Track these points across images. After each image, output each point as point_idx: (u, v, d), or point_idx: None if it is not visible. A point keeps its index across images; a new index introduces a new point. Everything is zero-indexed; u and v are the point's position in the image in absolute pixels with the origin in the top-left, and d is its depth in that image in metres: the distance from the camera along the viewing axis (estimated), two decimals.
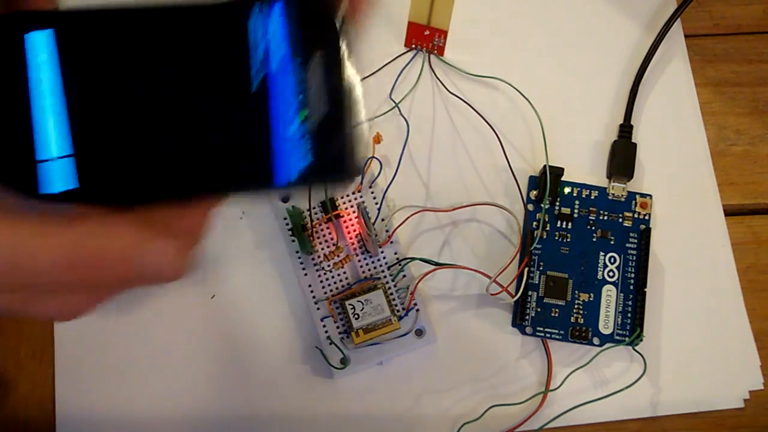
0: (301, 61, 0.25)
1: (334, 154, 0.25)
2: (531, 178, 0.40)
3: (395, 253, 0.38)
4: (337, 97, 0.26)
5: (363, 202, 0.38)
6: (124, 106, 0.25)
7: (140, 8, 0.25)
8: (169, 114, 0.25)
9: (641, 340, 0.37)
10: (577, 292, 0.38)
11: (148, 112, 0.25)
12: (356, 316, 0.36)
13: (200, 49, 0.25)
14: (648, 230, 0.39)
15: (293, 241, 0.38)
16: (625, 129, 0.41)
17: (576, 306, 0.38)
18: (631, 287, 0.38)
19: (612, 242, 0.39)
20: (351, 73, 0.26)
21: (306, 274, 0.37)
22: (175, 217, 0.24)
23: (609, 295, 0.38)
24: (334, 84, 0.26)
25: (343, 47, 0.26)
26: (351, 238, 0.38)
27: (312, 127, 0.25)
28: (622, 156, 0.40)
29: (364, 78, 0.42)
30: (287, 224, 0.38)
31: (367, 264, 0.38)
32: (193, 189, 0.25)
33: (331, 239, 0.38)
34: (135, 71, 0.25)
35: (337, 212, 0.38)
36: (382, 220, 0.38)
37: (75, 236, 0.21)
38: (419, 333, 0.37)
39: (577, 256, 0.39)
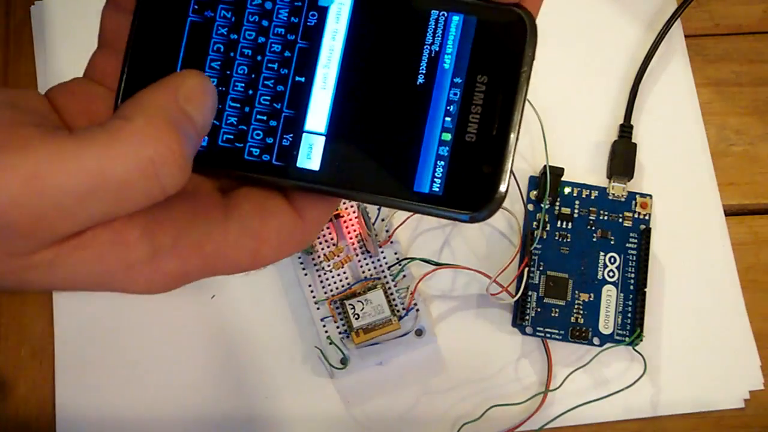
0: (461, 80, 0.24)
1: (466, 188, 0.24)
2: (531, 178, 0.40)
3: (395, 253, 0.38)
4: (490, 134, 0.24)
5: None
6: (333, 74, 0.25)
7: None
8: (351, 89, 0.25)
9: (641, 340, 0.37)
10: (577, 292, 0.38)
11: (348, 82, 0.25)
12: (356, 316, 0.36)
13: (381, 31, 0.25)
14: (648, 230, 0.39)
15: None
16: (625, 129, 0.41)
17: (576, 306, 0.38)
18: (631, 287, 0.38)
19: (612, 242, 0.39)
20: (516, 110, 0.24)
21: (306, 274, 0.37)
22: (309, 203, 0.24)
23: (609, 295, 0.38)
24: (490, 115, 0.24)
25: (518, 80, 0.24)
26: (351, 238, 0.38)
27: (451, 154, 0.24)
28: (622, 156, 0.40)
29: None
30: None
31: (367, 264, 0.38)
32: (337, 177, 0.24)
33: (331, 239, 0.38)
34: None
35: (337, 212, 0.38)
36: (382, 220, 0.38)
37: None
38: (419, 333, 0.37)
39: (577, 256, 0.39)
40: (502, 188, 0.24)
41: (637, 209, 0.39)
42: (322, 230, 0.38)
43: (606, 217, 0.39)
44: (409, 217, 0.38)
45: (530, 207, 0.39)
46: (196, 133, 0.21)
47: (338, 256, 0.37)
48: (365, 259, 0.38)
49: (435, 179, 0.24)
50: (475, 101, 0.24)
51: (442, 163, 0.24)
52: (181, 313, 0.38)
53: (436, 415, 0.37)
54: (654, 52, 0.42)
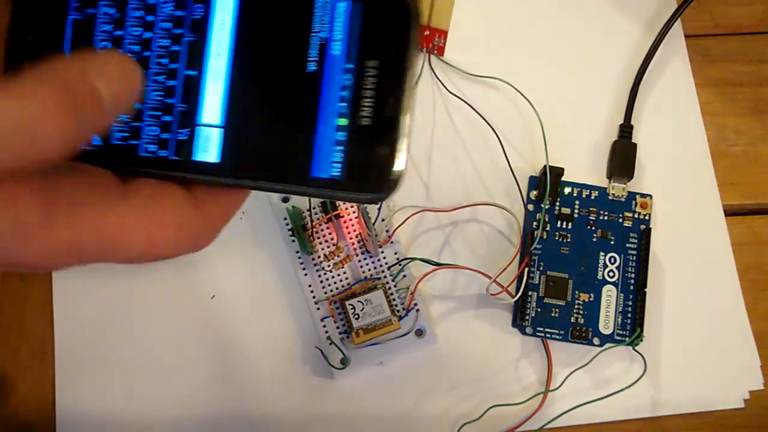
0: (353, 65, 0.24)
1: (364, 171, 0.24)
2: (531, 178, 0.40)
3: (395, 253, 0.38)
4: (383, 117, 0.24)
5: None
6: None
7: None
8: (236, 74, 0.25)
9: (641, 340, 0.37)
10: (577, 292, 0.38)
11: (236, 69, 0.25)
12: (356, 316, 0.36)
13: (267, 16, 0.25)
14: (648, 230, 0.39)
15: (293, 241, 0.38)
16: (625, 129, 0.41)
17: (576, 306, 0.38)
18: (631, 287, 0.38)
19: (612, 242, 0.39)
20: (407, 92, 0.24)
21: (306, 274, 0.37)
22: (210, 196, 0.24)
23: (609, 295, 0.38)
24: (383, 102, 0.24)
25: (407, 63, 0.24)
26: (351, 238, 0.38)
27: (347, 138, 0.24)
28: (622, 156, 0.40)
29: None
30: (287, 224, 0.38)
31: (367, 264, 0.38)
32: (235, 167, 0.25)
33: (331, 239, 0.38)
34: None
35: (337, 212, 0.38)
36: (382, 220, 0.38)
37: None
38: (419, 333, 0.37)
39: (577, 256, 0.39)
40: (398, 168, 0.24)
41: (637, 209, 0.39)
42: (323, 230, 0.38)
43: (606, 217, 0.39)
44: (409, 217, 0.38)
45: (530, 207, 0.39)
46: (101, 110, 0.20)
47: (338, 256, 0.37)
48: (365, 259, 0.38)
49: (333, 164, 0.24)
50: (367, 86, 0.24)
51: (339, 147, 0.24)
52: (181, 313, 0.38)
53: (436, 415, 0.37)
54: (654, 52, 0.42)
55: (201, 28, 0.25)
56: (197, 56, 0.25)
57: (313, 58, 0.24)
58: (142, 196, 0.22)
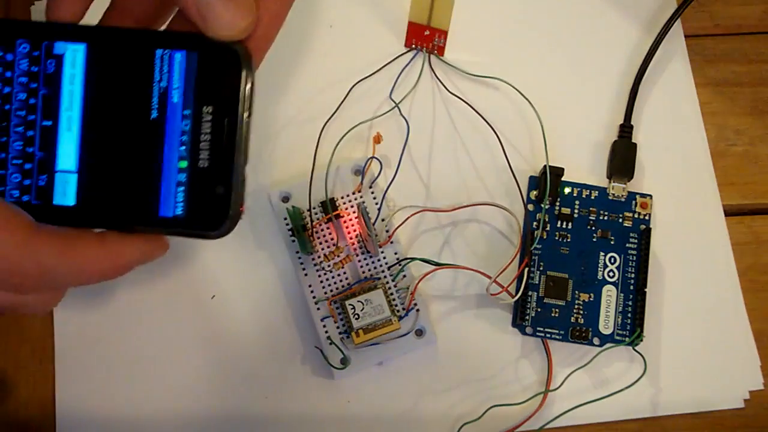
0: (190, 111, 0.27)
1: (205, 209, 0.27)
2: (531, 178, 0.40)
3: (395, 253, 0.38)
4: (219, 159, 0.27)
5: (363, 202, 0.38)
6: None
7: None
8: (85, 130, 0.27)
9: (641, 340, 0.37)
10: (577, 292, 0.38)
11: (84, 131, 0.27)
12: (356, 316, 0.36)
13: (112, 71, 0.27)
14: (648, 230, 0.39)
15: (293, 241, 0.38)
16: (625, 129, 0.41)
17: (576, 306, 0.38)
18: (631, 287, 0.38)
19: (612, 242, 0.39)
20: (241, 136, 0.27)
21: (306, 274, 0.37)
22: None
23: (609, 295, 0.38)
24: (219, 142, 0.27)
25: (241, 107, 0.27)
26: (351, 238, 0.38)
27: (188, 179, 0.27)
28: (622, 156, 0.40)
29: (364, 78, 0.43)
30: (287, 224, 0.38)
31: (367, 264, 0.38)
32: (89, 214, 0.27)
33: (331, 239, 0.38)
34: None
35: (337, 212, 0.38)
36: (382, 220, 0.38)
37: None
38: (419, 333, 0.37)
39: (577, 256, 0.39)
40: (235, 206, 0.27)
41: (637, 209, 0.39)
42: (322, 230, 0.38)
43: (606, 217, 0.39)
44: (409, 217, 0.38)
45: (530, 207, 0.39)
46: None
47: (338, 256, 0.37)
48: (365, 259, 0.38)
49: (177, 204, 0.27)
50: (204, 130, 0.27)
51: (182, 188, 0.27)
52: (181, 313, 0.38)
53: (436, 415, 0.38)
54: (654, 52, 0.42)
55: (54, 82, 0.27)
56: (52, 108, 0.27)
57: (155, 106, 0.27)
58: (54, 234, 0.26)
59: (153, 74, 0.27)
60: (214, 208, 0.27)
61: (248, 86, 0.27)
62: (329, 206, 0.38)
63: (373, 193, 0.39)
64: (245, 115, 0.27)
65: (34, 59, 0.27)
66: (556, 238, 0.39)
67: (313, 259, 0.38)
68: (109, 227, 0.27)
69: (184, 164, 0.27)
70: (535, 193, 0.39)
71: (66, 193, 0.27)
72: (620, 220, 0.39)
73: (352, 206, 0.38)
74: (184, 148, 0.27)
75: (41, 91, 0.27)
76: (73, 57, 0.27)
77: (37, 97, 0.27)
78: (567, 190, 0.40)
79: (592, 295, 0.38)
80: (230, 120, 0.27)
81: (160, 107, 0.27)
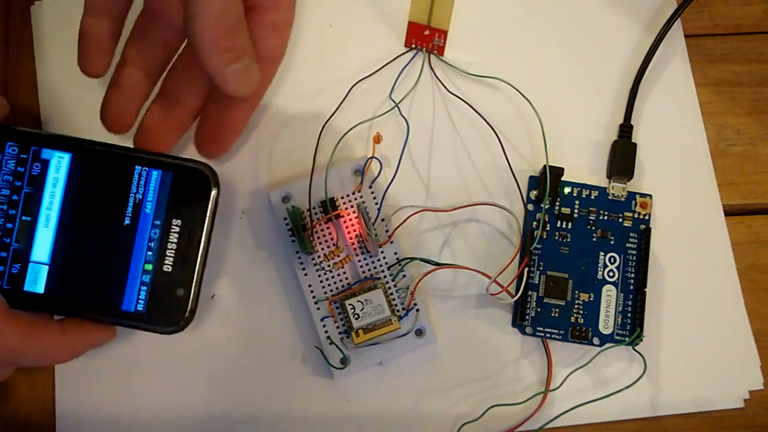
0: (160, 222, 0.31)
1: (163, 307, 0.31)
2: (531, 178, 0.40)
3: (395, 253, 0.38)
4: (182, 265, 0.31)
5: (363, 202, 0.38)
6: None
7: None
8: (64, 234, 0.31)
9: (641, 340, 0.37)
10: (577, 292, 0.38)
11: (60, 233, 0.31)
12: (356, 316, 0.36)
13: (94, 183, 0.31)
14: (648, 230, 0.39)
15: (293, 241, 0.38)
16: (625, 129, 0.41)
17: (576, 306, 0.38)
18: (631, 287, 0.38)
19: (612, 242, 0.39)
20: (202, 247, 0.31)
21: (306, 274, 0.37)
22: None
23: (609, 295, 0.38)
24: (182, 253, 0.31)
25: (205, 223, 0.31)
26: (351, 238, 0.38)
27: (151, 280, 0.31)
28: (622, 156, 0.40)
29: (364, 78, 0.43)
30: (287, 224, 0.38)
31: (367, 264, 0.38)
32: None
33: (331, 239, 0.38)
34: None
35: (337, 212, 0.38)
36: (382, 220, 0.38)
37: None
38: (419, 333, 0.37)
39: (577, 256, 0.39)
40: (191, 307, 0.31)
41: (637, 209, 0.39)
42: (322, 230, 0.38)
43: (606, 217, 0.39)
44: (409, 217, 0.38)
45: (530, 207, 0.39)
46: None
47: (338, 256, 0.37)
48: (365, 259, 0.38)
49: (139, 300, 0.31)
50: (171, 239, 0.31)
51: (145, 288, 0.31)
52: None
53: (436, 415, 0.38)
54: (654, 52, 0.42)
55: (37, 183, 0.30)
56: (33, 205, 0.30)
57: (129, 214, 0.31)
58: (23, 319, 0.29)
59: (130, 187, 0.31)
60: (172, 308, 0.31)
61: (213, 205, 0.31)
62: (329, 206, 0.38)
63: (373, 193, 0.39)
64: (209, 229, 0.31)
65: (21, 161, 0.30)
66: (556, 238, 0.39)
67: (313, 259, 0.38)
68: (72, 315, 0.31)
69: (149, 267, 0.30)
70: (535, 193, 0.39)
71: (36, 281, 0.30)
72: (620, 220, 0.39)
73: (352, 206, 0.38)
74: (151, 253, 0.31)
75: (24, 189, 0.30)
76: (59, 163, 0.30)
77: (20, 194, 0.30)
78: (567, 190, 0.40)
79: (592, 295, 0.38)
80: (195, 232, 0.31)
81: (133, 216, 0.31)
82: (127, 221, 0.31)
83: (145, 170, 0.31)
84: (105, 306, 0.31)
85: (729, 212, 0.41)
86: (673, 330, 0.39)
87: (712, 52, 0.43)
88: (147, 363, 0.37)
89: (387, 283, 0.37)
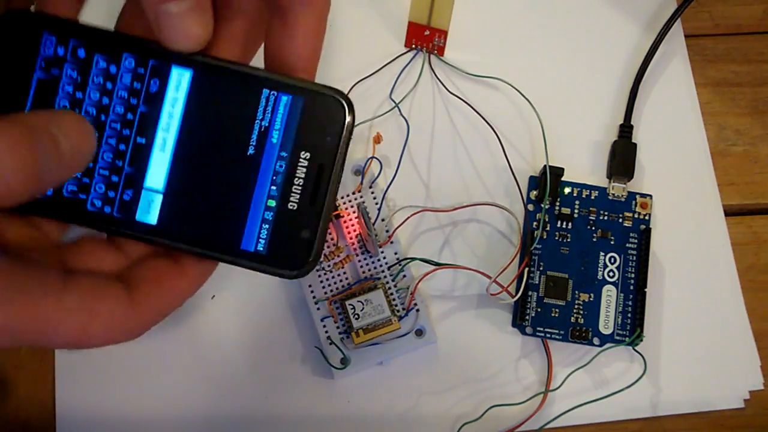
0: (287, 154, 0.27)
1: (286, 250, 0.27)
2: (531, 178, 0.40)
3: (395, 253, 0.38)
4: (309, 204, 0.27)
5: (363, 202, 0.38)
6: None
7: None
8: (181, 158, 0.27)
9: (641, 340, 0.37)
10: (577, 292, 0.38)
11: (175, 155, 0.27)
12: (356, 316, 0.36)
13: (215, 104, 0.27)
14: (648, 230, 0.39)
15: None
16: (625, 129, 0.41)
17: (576, 306, 0.38)
18: (631, 287, 0.38)
19: (612, 242, 0.39)
20: (333, 185, 0.27)
21: None
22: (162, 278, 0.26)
23: (609, 295, 0.38)
24: (311, 188, 0.27)
25: (338, 158, 0.27)
26: (351, 238, 0.38)
27: (274, 219, 0.27)
28: (622, 156, 0.40)
29: (364, 78, 0.43)
30: None
31: (367, 264, 0.38)
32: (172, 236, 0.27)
33: (331, 239, 0.38)
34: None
35: (337, 212, 0.38)
36: (382, 220, 0.38)
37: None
38: (419, 333, 0.37)
39: (577, 256, 0.39)
40: (317, 251, 0.27)
41: (637, 209, 0.39)
42: None
43: (606, 217, 0.39)
44: (409, 217, 0.38)
45: (530, 207, 0.39)
46: (60, 159, 0.22)
47: (338, 256, 0.37)
48: (365, 259, 0.38)
49: (260, 240, 0.27)
50: (298, 174, 0.27)
51: (267, 226, 0.27)
52: (181, 313, 0.38)
53: (436, 415, 0.38)
54: (654, 52, 0.42)
55: (155, 102, 0.27)
56: (148, 126, 0.27)
57: (253, 143, 0.27)
58: (80, 290, 0.24)
59: (256, 112, 0.27)
60: (295, 251, 0.27)
61: (347, 139, 0.27)
62: None
63: (373, 193, 0.39)
64: (340, 164, 0.27)
65: (137, 76, 0.27)
66: (556, 238, 0.39)
67: None
68: (187, 250, 0.27)
69: (272, 203, 0.27)
70: (535, 193, 0.39)
71: (150, 210, 0.27)
72: (620, 220, 0.39)
73: (352, 206, 0.38)
74: (275, 188, 0.27)
75: (140, 108, 0.27)
76: (179, 80, 0.27)
77: (135, 113, 0.27)
78: (567, 190, 0.40)
79: (592, 295, 0.38)
80: (325, 168, 0.27)
81: (257, 145, 0.27)
82: (251, 150, 0.27)
83: (273, 94, 0.27)
84: (222, 243, 0.27)
85: (729, 212, 0.41)
86: (673, 330, 0.39)
87: (712, 52, 0.43)
88: (147, 363, 0.37)
89: (387, 283, 0.37)
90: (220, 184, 0.27)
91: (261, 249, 0.27)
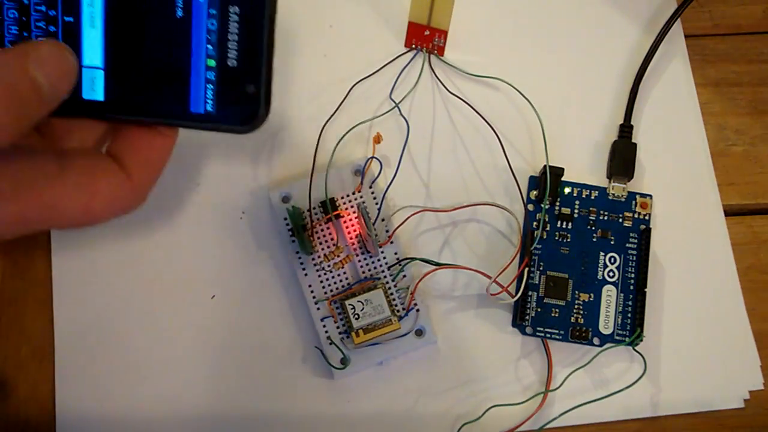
0: (216, 11, 0.27)
1: (234, 106, 0.27)
2: (531, 178, 0.40)
3: (395, 253, 0.38)
4: (247, 58, 0.27)
5: (363, 202, 0.38)
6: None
7: None
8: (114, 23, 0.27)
9: (641, 340, 0.37)
10: (577, 292, 0.38)
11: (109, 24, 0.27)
12: (356, 316, 0.36)
13: None
14: (648, 230, 0.39)
15: (293, 241, 0.38)
16: (625, 129, 0.41)
17: (576, 306, 0.38)
18: (631, 287, 0.38)
19: (612, 242, 0.39)
20: (268, 35, 0.27)
21: (306, 274, 0.37)
22: (127, 150, 0.27)
23: (609, 295, 0.38)
24: (247, 41, 0.27)
25: (267, 7, 0.27)
26: (351, 238, 0.38)
27: (217, 77, 0.27)
28: (622, 156, 0.40)
29: (364, 78, 0.43)
30: (287, 224, 0.38)
31: (367, 264, 0.38)
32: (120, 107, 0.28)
33: (331, 239, 0.38)
34: None
35: (337, 212, 0.38)
36: (382, 220, 0.38)
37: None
38: (419, 333, 0.37)
39: (577, 256, 0.39)
40: (264, 102, 0.27)
41: (637, 209, 0.39)
42: (322, 230, 0.38)
43: (606, 217, 0.39)
44: (409, 217, 0.38)
45: (530, 207, 0.39)
46: (41, 101, 0.24)
47: (338, 256, 0.37)
48: (365, 259, 0.38)
49: (207, 100, 0.27)
50: (231, 30, 0.27)
51: (211, 86, 0.27)
52: (181, 313, 0.38)
53: (436, 415, 0.38)
54: (654, 52, 0.42)
55: None
56: (73, 3, 0.27)
57: (180, 5, 0.27)
58: (77, 172, 0.26)
59: None
60: (244, 106, 0.27)
61: None
62: (329, 206, 0.38)
63: (373, 193, 0.39)
64: (271, 14, 0.27)
65: None
66: (556, 238, 0.39)
67: (313, 259, 0.38)
68: (141, 121, 0.28)
69: (212, 63, 0.27)
70: (535, 193, 0.39)
71: (94, 87, 0.27)
72: (620, 220, 0.39)
73: (352, 206, 0.38)
74: (211, 47, 0.27)
75: None
76: None
77: None
78: (567, 190, 0.40)
79: (592, 295, 0.38)
80: (256, 19, 0.27)
81: (184, 7, 0.27)
82: (179, 13, 0.27)
83: None
84: (172, 109, 0.28)
85: (729, 212, 0.41)
86: (673, 330, 0.39)
87: (712, 52, 0.43)
88: (147, 363, 0.37)
89: (387, 283, 0.37)
90: (157, 52, 0.27)
91: (210, 109, 0.27)
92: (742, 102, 0.43)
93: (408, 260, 0.38)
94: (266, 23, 0.27)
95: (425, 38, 0.41)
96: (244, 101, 0.27)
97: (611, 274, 0.39)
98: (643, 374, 0.36)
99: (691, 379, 0.38)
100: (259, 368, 0.38)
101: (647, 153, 0.41)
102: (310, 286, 0.37)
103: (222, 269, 0.39)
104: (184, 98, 0.27)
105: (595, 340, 0.38)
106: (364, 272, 0.38)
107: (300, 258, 0.38)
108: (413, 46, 0.41)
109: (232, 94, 0.27)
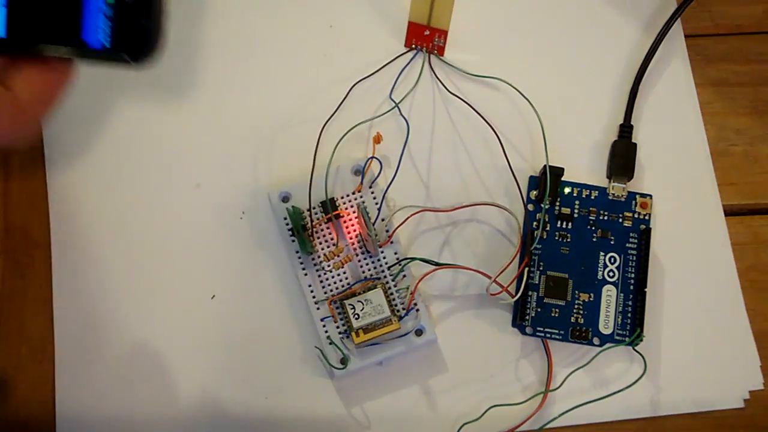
0: None
1: (130, 40, 0.28)
2: (531, 178, 0.40)
3: (395, 253, 0.38)
4: None
5: (363, 202, 0.38)
6: None
7: None
8: None
9: (641, 340, 0.37)
10: (577, 292, 0.38)
11: None
12: (356, 316, 0.36)
13: None
14: (648, 230, 0.39)
15: (293, 241, 0.38)
16: (625, 129, 0.41)
17: (576, 306, 0.38)
18: (631, 287, 0.38)
19: (612, 242, 0.39)
20: None
21: (306, 274, 0.37)
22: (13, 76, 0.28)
23: (609, 295, 0.38)
24: None
25: None
26: (351, 238, 0.38)
27: (113, 12, 0.28)
28: (622, 156, 0.40)
29: (364, 78, 0.43)
30: (287, 224, 0.38)
31: (367, 264, 0.38)
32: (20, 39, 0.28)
33: (331, 239, 0.38)
34: None
35: (337, 212, 0.38)
36: (382, 220, 0.38)
37: None
38: (419, 333, 0.37)
39: (577, 256, 0.39)
40: (159, 37, 0.28)
41: (637, 209, 0.39)
42: (322, 230, 0.38)
43: (606, 217, 0.39)
44: (409, 217, 0.38)
45: (530, 207, 0.39)
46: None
47: (338, 256, 0.37)
48: (365, 259, 0.38)
49: (104, 34, 0.28)
50: None
51: (108, 21, 0.28)
52: (181, 313, 0.38)
53: (436, 415, 0.38)
54: (654, 52, 0.42)
55: None
56: None
57: None
58: None
59: None
60: (139, 40, 0.28)
61: None
62: (329, 206, 0.38)
63: (373, 193, 0.39)
64: None
65: None
66: (556, 238, 0.39)
67: (313, 259, 0.38)
68: (37, 53, 0.28)
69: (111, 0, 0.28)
70: (535, 193, 0.39)
71: None
72: (620, 220, 0.39)
73: (352, 206, 0.38)
74: None
75: None
76: None
77: None
78: (567, 190, 0.40)
79: (592, 295, 0.38)
80: None
81: None
82: None
83: None
84: (69, 43, 0.29)
85: (729, 212, 0.41)
86: (673, 330, 0.39)
87: (712, 52, 0.43)
88: (147, 363, 0.37)
89: (387, 283, 0.37)
90: None
91: (107, 44, 0.28)
92: (742, 102, 0.43)
93: (408, 260, 0.38)
94: None
95: (425, 38, 0.41)
96: (139, 36, 0.28)
97: (611, 274, 0.39)
98: (643, 374, 0.36)
99: (691, 379, 0.38)
100: (259, 368, 0.38)
101: (647, 153, 0.41)
102: (310, 286, 0.37)
103: (222, 269, 0.39)
104: (80, 32, 0.28)
105: (595, 340, 0.38)
106: (364, 272, 0.38)
107: (300, 258, 0.38)
108: (413, 46, 0.41)
109: (126, 28, 0.28)
